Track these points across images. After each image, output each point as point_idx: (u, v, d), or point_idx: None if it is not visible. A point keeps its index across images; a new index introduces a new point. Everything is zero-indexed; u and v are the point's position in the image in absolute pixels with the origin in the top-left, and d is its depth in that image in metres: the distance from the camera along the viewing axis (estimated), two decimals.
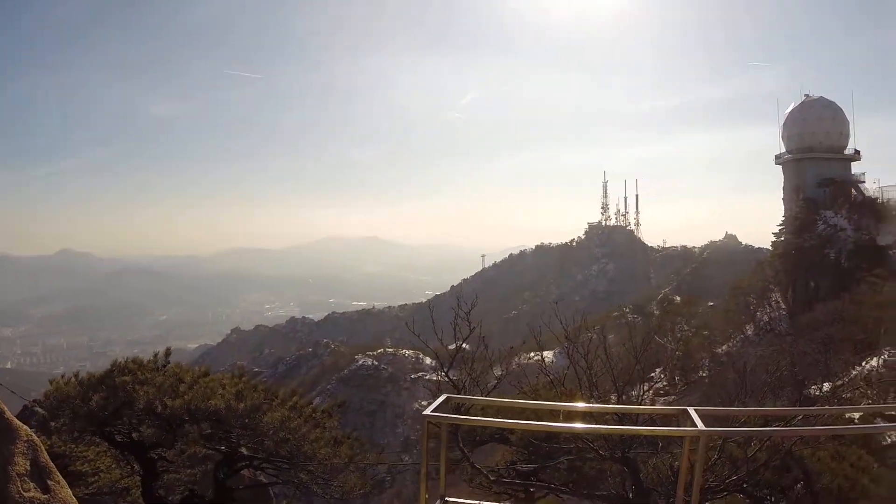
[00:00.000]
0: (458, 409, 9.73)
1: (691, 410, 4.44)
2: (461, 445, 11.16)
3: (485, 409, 8.89)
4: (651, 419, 10.61)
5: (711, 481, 9.76)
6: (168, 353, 11.26)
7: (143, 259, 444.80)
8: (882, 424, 17.35)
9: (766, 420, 9.00)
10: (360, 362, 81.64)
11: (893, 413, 21.27)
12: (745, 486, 10.54)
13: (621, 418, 9.91)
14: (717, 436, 8.48)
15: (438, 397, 4.95)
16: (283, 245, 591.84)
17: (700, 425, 4.25)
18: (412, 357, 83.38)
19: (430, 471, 4.86)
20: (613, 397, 14.08)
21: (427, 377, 67.69)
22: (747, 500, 11.28)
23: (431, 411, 4.58)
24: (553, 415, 9.61)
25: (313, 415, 11.83)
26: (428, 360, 79.50)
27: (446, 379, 13.38)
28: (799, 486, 11.04)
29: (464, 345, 13.54)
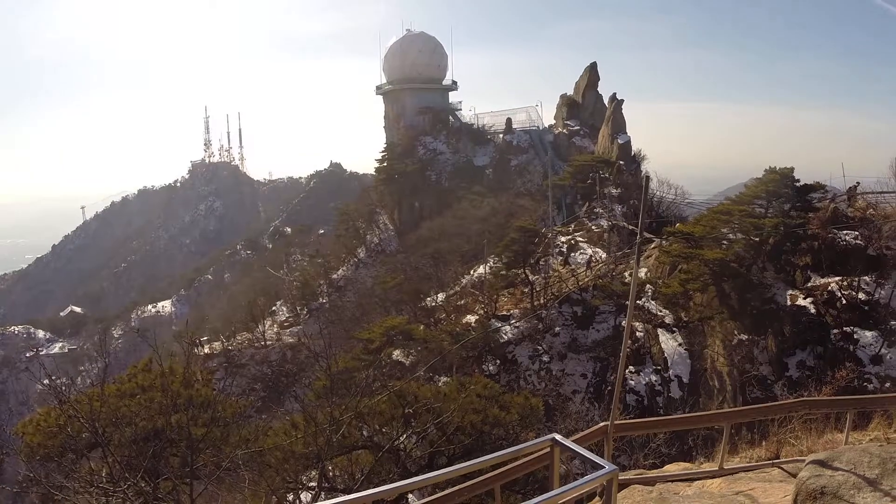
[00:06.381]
0: None
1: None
2: None
3: None
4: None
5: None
6: None
7: None
8: None
9: None
10: None
11: None
12: (371, 440, 10.75)
13: None
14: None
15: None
16: None
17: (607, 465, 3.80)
18: (23, 333, 73.54)
19: None
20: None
21: (44, 353, 61.59)
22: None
23: None
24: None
25: None
26: (41, 333, 73.29)
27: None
28: (431, 428, 11.63)
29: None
